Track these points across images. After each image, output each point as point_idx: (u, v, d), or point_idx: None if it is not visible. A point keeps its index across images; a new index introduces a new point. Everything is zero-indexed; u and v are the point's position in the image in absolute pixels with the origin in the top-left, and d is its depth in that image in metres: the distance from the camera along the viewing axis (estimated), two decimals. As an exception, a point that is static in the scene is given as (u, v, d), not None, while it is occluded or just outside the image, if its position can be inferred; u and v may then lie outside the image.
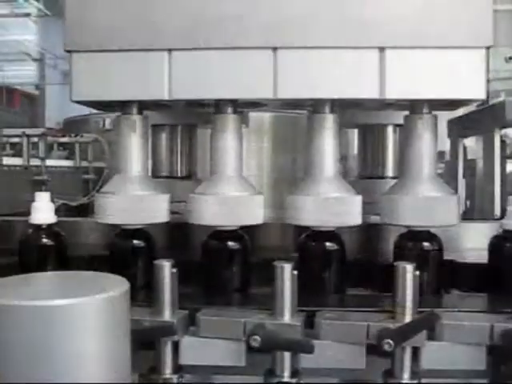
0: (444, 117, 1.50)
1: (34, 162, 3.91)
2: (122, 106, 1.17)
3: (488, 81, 1.07)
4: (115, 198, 1.13)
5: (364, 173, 1.59)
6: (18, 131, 4.12)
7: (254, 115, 1.49)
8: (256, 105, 1.21)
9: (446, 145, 2.24)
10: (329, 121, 1.13)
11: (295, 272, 0.95)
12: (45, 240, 1.21)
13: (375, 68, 1.05)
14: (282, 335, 0.92)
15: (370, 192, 1.36)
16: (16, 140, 4.31)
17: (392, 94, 1.06)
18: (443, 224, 1.13)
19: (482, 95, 1.06)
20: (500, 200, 1.65)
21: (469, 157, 2.78)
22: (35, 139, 4.03)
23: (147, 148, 1.21)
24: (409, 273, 0.94)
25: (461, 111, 1.79)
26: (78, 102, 1.13)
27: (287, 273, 0.94)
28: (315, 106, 1.15)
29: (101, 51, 1.08)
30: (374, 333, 0.93)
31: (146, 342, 0.96)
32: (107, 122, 4.47)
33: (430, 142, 1.14)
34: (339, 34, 1.05)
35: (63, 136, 4.90)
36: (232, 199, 1.11)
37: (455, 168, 2.02)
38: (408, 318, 0.94)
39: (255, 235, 1.29)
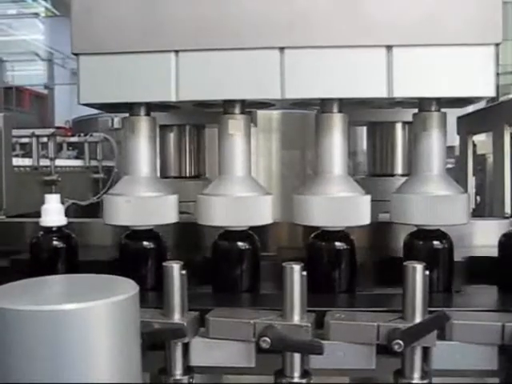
0: (453, 113, 1.48)
1: (44, 162, 3.93)
2: (130, 108, 1.18)
3: (497, 75, 1.06)
4: (123, 200, 1.14)
5: (373, 170, 1.59)
6: (28, 131, 4.15)
7: (262, 113, 1.49)
8: (264, 104, 1.21)
9: (455, 140, 2.22)
10: (337, 120, 1.13)
11: (304, 273, 0.94)
12: (55, 242, 1.21)
13: (383, 67, 1.05)
14: (292, 336, 0.92)
15: (380, 190, 1.36)
16: (25, 140, 4.33)
17: (400, 92, 1.05)
18: (453, 223, 1.12)
19: (492, 92, 1.05)
20: (510, 197, 1.64)
21: (478, 152, 2.77)
22: (45, 139, 4.05)
23: (155, 149, 1.21)
24: (418, 272, 0.94)
25: (470, 108, 1.78)
26: (86, 105, 1.14)
27: (296, 274, 0.94)
28: (323, 106, 1.15)
29: (108, 53, 1.08)
30: (384, 333, 0.93)
31: (156, 344, 0.96)
32: (116, 121, 4.49)
33: (439, 139, 1.13)
34: (346, 33, 1.04)
35: (72, 136, 4.93)
36: (241, 200, 1.11)
37: (465, 165, 2.01)
38: (418, 318, 0.94)
39: (264, 234, 1.29)
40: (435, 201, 1.10)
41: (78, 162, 4.70)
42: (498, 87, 1.09)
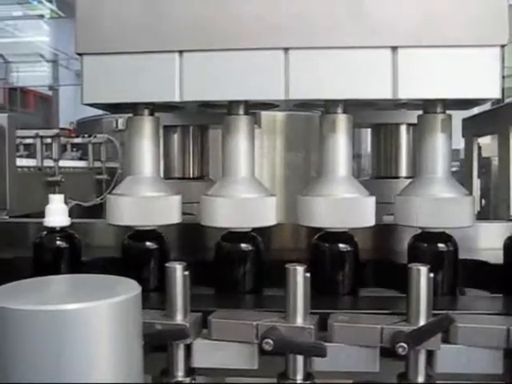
0: (459, 115, 1.48)
1: (48, 163, 3.93)
2: (134, 108, 1.17)
3: (503, 77, 1.05)
4: (127, 200, 1.13)
5: (377, 173, 1.58)
6: (32, 132, 4.16)
7: (266, 114, 1.49)
8: (268, 105, 1.21)
9: (460, 143, 2.22)
10: (341, 121, 1.13)
11: (308, 274, 0.94)
12: (59, 242, 1.21)
13: (388, 68, 1.04)
14: (295, 338, 0.91)
15: (384, 192, 1.35)
16: (30, 141, 4.34)
17: (405, 93, 1.05)
18: (457, 226, 1.11)
19: (497, 94, 1.04)
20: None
21: (483, 155, 2.76)
22: (49, 140, 4.05)
23: (159, 149, 1.21)
24: (423, 275, 0.93)
25: (475, 110, 1.77)
26: (90, 105, 1.14)
27: (300, 275, 0.93)
28: (327, 107, 1.14)
29: (112, 54, 1.08)
30: (388, 336, 0.92)
31: (158, 345, 0.95)
32: (120, 122, 4.50)
33: (444, 141, 1.13)
34: (351, 34, 1.04)
35: (76, 137, 4.94)
36: (244, 201, 1.11)
37: (470, 167, 2.00)
38: (422, 321, 0.93)
39: (268, 236, 1.29)
40: (440, 203, 1.09)
41: (81, 163, 4.72)
42: (503, 90, 1.09)
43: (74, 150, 5.05)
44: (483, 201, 2.78)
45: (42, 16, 13.19)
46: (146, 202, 1.14)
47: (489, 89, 1.04)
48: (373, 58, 1.04)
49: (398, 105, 1.21)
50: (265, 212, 1.12)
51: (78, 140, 4.85)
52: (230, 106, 1.15)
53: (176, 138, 1.56)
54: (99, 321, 0.72)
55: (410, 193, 1.13)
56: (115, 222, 1.15)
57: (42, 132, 4.18)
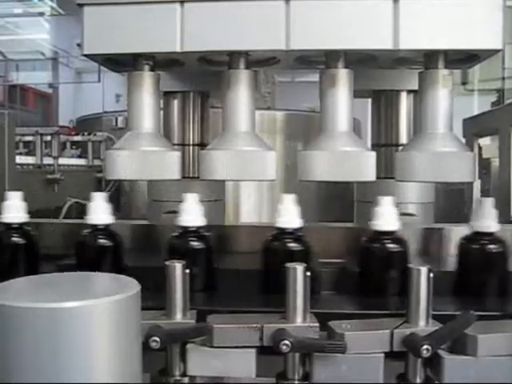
0: (459, 116, 1.47)
1: (47, 160, 3.93)
2: (134, 63, 1.15)
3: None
4: (126, 154, 1.12)
5: (378, 141, 1.56)
6: (31, 130, 4.15)
7: (266, 114, 1.47)
8: (269, 62, 1.18)
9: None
10: (342, 75, 1.10)
11: (308, 274, 0.94)
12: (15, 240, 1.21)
13: (389, 18, 1.03)
14: (311, 338, 0.91)
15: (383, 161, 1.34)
16: (29, 139, 4.34)
17: (406, 44, 1.03)
18: (459, 180, 1.10)
19: (499, 45, 1.02)
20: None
21: (484, 156, 2.76)
22: (48, 138, 4.05)
23: (159, 105, 1.19)
24: (423, 275, 0.93)
25: (476, 110, 1.76)
26: (90, 56, 1.12)
27: (300, 275, 0.93)
28: (328, 62, 1.12)
29: (112, 4, 1.06)
30: (399, 339, 0.92)
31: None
32: (119, 120, 4.49)
33: (445, 97, 1.10)
34: None
35: (76, 135, 4.93)
36: (244, 154, 1.09)
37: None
38: (422, 322, 0.93)
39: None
40: (441, 157, 1.07)
41: (81, 161, 4.71)
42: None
43: (74, 147, 5.05)
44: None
45: (42, 13, 13.17)
46: (145, 156, 1.12)
47: (491, 40, 1.02)
48: (374, 9, 1.03)
49: (398, 61, 1.18)
50: (265, 166, 1.10)
51: (78, 138, 4.84)
52: (231, 60, 1.12)
53: (176, 104, 1.55)
54: (98, 319, 0.71)
55: (410, 148, 1.11)
56: (114, 176, 1.13)
57: (41, 130, 4.17)
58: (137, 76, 1.15)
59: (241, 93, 1.12)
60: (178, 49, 1.06)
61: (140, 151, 1.12)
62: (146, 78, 1.15)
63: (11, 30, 12.96)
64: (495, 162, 2.72)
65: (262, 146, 1.11)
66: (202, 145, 1.54)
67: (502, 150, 1.70)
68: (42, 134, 4.08)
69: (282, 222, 1.16)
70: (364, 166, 1.09)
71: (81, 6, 1.08)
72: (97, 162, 4.62)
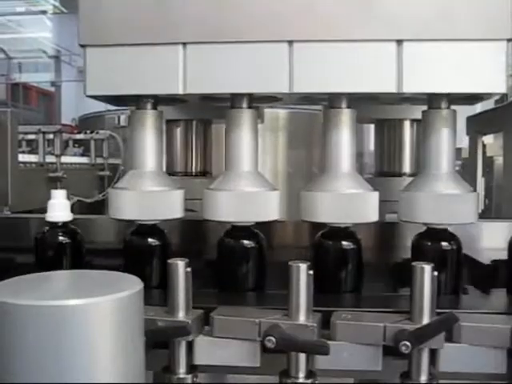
0: (463, 113, 1.47)
1: (50, 158, 3.93)
2: (137, 101, 1.16)
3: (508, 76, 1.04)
4: (129, 194, 1.13)
5: (380, 170, 1.57)
6: (34, 128, 4.15)
7: (268, 112, 1.48)
8: (271, 99, 1.19)
9: (462, 142, 2.21)
10: (345, 115, 1.11)
11: (311, 272, 0.93)
12: (61, 238, 1.21)
13: (393, 61, 1.03)
14: (297, 336, 0.91)
15: (387, 190, 1.34)
16: (32, 137, 4.34)
17: (409, 87, 1.03)
18: (461, 222, 1.10)
19: (503, 89, 1.03)
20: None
21: (488, 154, 2.75)
22: (51, 136, 4.05)
23: (162, 143, 1.20)
24: (427, 273, 0.92)
25: (479, 107, 1.76)
26: (93, 97, 1.13)
27: (303, 273, 0.93)
28: (331, 101, 1.13)
29: (115, 45, 1.07)
30: (391, 334, 0.91)
31: (159, 342, 0.95)
32: (122, 118, 4.49)
33: (448, 137, 1.11)
34: (356, 27, 1.03)
35: (78, 133, 4.93)
36: (247, 195, 1.10)
37: (474, 165, 1.99)
38: (426, 319, 0.92)
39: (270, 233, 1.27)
40: (444, 199, 1.08)
41: (83, 160, 4.71)
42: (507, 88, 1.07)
43: (76, 146, 5.04)
44: (486, 200, 2.78)
45: (44, 12, 13.18)
46: (148, 196, 1.13)
47: (495, 83, 1.03)
48: (378, 52, 1.03)
49: (402, 99, 1.19)
50: (268, 206, 1.11)
51: (80, 136, 4.84)
52: (234, 99, 1.13)
53: (179, 132, 1.55)
54: (101, 317, 0.71)
55: (413, 189, 1.12)
56: (117, 216, 1.14)
57: (44, 128, 4.17)
58: (139, 114, 1.16)
59: (243, 132, 1.12)
60: (180, 91, 1.07)
61: (143, 191, 1.13)
62: (149, 116, 1.16)
63: (13, 29, 12.99)
64: (498, 160, 2.71)
65: (265, 186, 1.12)
66: (205, 173, 1.55)
67: (507, 147, 1.69)
68: (44, 133, 4.08)
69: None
70: (367, 208, 1.09)
71: (83, 46, 1.08)
72: (99, 160, 4.62)
